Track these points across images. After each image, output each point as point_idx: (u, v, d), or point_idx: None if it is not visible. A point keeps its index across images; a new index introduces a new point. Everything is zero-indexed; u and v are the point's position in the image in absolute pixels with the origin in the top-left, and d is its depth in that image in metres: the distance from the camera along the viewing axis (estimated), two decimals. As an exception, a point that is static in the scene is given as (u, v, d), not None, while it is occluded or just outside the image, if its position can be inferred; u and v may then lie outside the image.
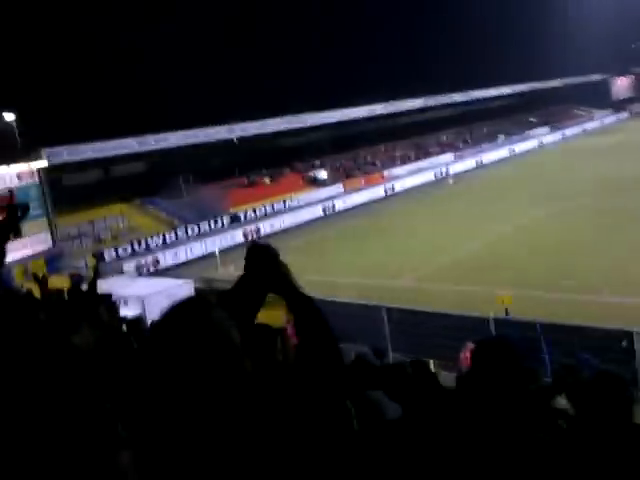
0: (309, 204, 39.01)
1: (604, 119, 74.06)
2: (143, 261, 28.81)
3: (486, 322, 11.78)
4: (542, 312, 12.67)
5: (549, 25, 71.70)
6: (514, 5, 69.05)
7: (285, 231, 34.03)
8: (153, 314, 11.68)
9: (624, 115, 77.62)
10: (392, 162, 48.89)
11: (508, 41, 66.33)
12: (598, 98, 76.89)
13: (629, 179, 31.14)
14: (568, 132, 65.25)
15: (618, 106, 79.67)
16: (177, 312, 1.30)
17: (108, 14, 41.69)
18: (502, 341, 2.11)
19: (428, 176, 46.44)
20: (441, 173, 47.59)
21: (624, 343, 9.70)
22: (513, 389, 1.92)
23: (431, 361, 10.46)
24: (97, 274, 4.27)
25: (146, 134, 35.51)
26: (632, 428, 2.22)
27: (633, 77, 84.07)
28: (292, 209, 38.00)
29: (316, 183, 42.78)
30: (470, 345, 9.87)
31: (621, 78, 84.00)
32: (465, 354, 9.42)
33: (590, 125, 70.31)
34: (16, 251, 23.86)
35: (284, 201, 38.54)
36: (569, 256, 19.44)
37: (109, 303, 3.88)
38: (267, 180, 41.72)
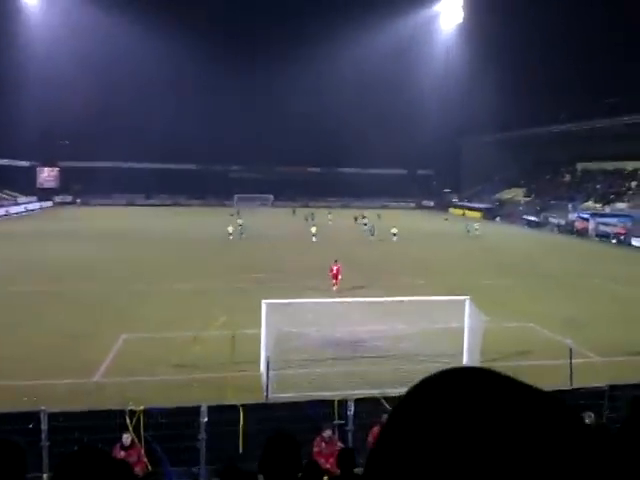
0: None
1: (28, 205, 75.34)
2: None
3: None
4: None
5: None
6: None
7: None
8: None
9: (48, 203, 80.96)
10: None
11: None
12: (24, 184, 79.46)
13: (27, 262, 32.43)
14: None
15: (43, 194, 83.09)
16: None
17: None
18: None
19: None
20: None
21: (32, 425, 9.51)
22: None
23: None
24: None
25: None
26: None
27: (58, 169, 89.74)
28: None
29: None
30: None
31: (48, 169, 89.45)
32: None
33: (15, 209, 69.75)
34: None
35: None
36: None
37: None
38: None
